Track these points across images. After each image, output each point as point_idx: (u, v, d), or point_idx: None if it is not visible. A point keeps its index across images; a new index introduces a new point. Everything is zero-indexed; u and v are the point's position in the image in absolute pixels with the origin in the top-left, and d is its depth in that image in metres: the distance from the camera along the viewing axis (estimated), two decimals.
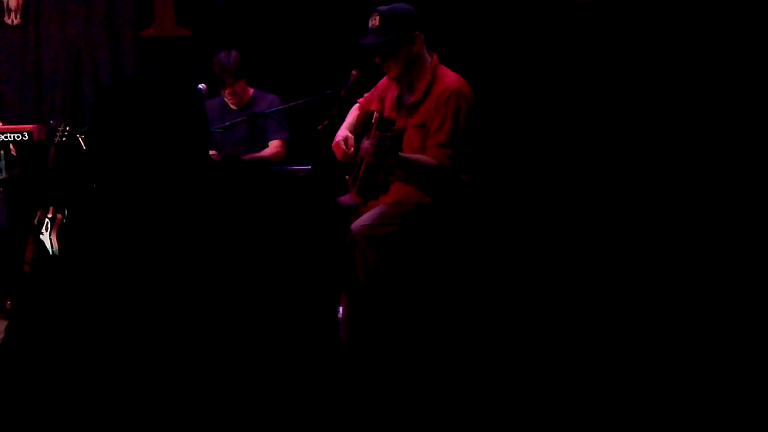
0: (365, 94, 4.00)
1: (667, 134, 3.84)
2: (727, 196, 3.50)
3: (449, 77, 3.63)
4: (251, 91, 4.96)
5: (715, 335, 3.19)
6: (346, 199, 3.91)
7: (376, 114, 3.78)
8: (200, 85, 4.67)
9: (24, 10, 5.86)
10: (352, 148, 3.80)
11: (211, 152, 4.79)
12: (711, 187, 3.58)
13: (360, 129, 3.93)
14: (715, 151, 3.58)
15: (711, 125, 3.59)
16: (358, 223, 3.56)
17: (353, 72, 3.96)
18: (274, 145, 4.86)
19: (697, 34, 3.73)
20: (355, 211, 3.77)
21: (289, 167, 4.76)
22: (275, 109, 4.66)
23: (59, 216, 4.28)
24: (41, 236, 4.25)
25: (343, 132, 3.87)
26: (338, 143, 3.80)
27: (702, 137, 3.64)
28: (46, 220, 4.30)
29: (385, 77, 3.83)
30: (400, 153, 3.45)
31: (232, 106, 4.90)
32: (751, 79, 3.46)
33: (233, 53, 4.83)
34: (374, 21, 3.61)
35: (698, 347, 3.15)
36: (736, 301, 3.26)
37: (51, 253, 4.18)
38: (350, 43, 5.53)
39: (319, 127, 3.91)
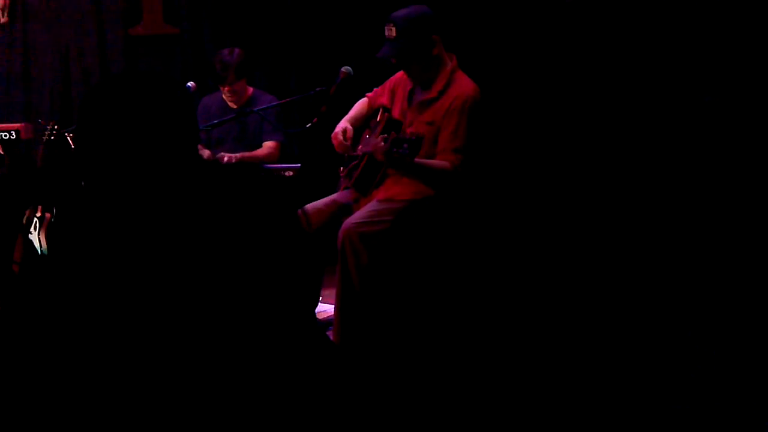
0: (375, 89, 3.97)
1: (666, 134, 3.84)
2: (725, 196, 3.51)
3: (466, 83, 3.61)
4: (251, 90, 4.93)
5: (714, 335, 3.20)
6: (339, 197, 3.89)
7: (383, 113, 3.77)
8: (189, 84, 4.65)
9: (11, 7, 5.83)
10: (350, 141, 3.78)
11: (206, 152, 4.80)
12: (710, 186, 3.58)
13: (362, 123, 3.92)
14: (714, 150, 3.59)
15: (710, 125, 3.60)
16: (350, 221, 3.56)
17: (342, 69, 3.95)
18: (267, 146, 4.84)
19: (696, 32, 3.73)
20: (349, 210, 3.76)
21: (278, 165, 4.75)
22: (264, 106, 4.64)
23: (48, 215, 4.26)
24: (30, 236, 4.23)
25: (344, 124, 3.85)
26: (336, 134, 3.78)
27: (701, 137, 3.65)
28: (35, 219, 4.28)
29: (396, 74, 3.81)
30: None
31: (230, 104, 4.87)
32: (751, 78, 3.47)
33: (236, 51, 4.79)
34: (390, 31, 3.55)
35: (697, 347, 3.16)
36: (734, 301, 3.27)
37: (40, 252, 4.17)
38: (340, 40, 5.55)
39: (308, 125, 3.90)
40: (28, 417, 1.45)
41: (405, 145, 3.27)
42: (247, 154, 4.80)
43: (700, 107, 3.67)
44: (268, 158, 4.81)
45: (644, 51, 4.03)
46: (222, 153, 4.76)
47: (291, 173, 4.64)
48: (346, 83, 3.93)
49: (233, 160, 4.71)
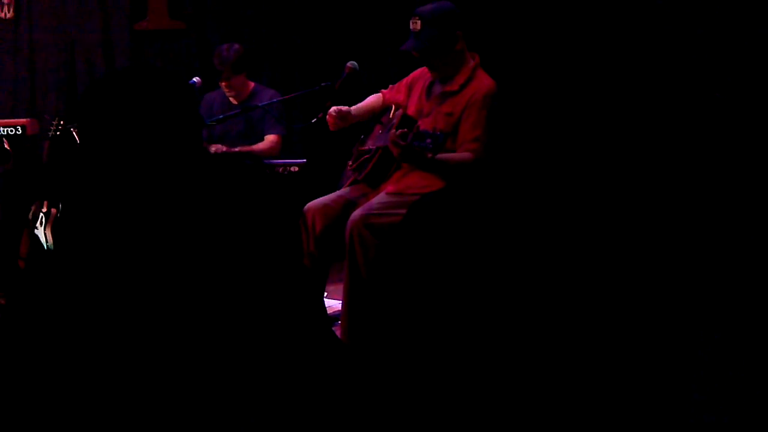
0: (391, 86, 3.97)
1: (677, 131, 3.83)
2: (736, 194, 3.49)
3: (487, 80, 3.65)
4: (252, 85, 4.93)
5: (715, 337, 3.18)
6: (347, 193, 3.88)
7: (396, 110, 3.77)
8: (194, 79, 4.65)
9: (17, 3, 5.84)
10: (340, 114, 3.78)
11: (213, 147, 4.80)
12: (721, 185, 3.57)
13: (369, 117, 3.92)
14: (724, 148, 3.57)
15: (721, 122, 3.58)
16: (358, 213, 3.55)
17: (348, 65, 3.94)
18: (269, 140, 4.84)
19: (708, 27, 3.72)
20: (355, 205, 3.75)
21: (283, 161, 4.75)
22: (267, 102, 4.63)
23: (54, 210, 4.27)
24: (36, 231, 4.24)
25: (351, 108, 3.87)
26: (330, 111, 3.80)
27: (712, 135, 3.63)
28: (41, 214, 4.29)
29: (415, 71, 3.82)
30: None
31: (231, 99, 4.88)
32: (763, 75, 3.45)
33: (235, 46, 4.79)
34: (415, 24, 3.58)
35: (699, 349, 3.15)
36: (739, 303, 3.26)
37: (45, 247, 4.17)
38: (345, 34, 5.55)
39: (314, 120, 3.90)
40: (32, 412, 1.45)
41: (428, 140, 3.27)
42: (246, 147, 4.79)
43: (711, 103, 3.65)
44: (269, 152, 4.80)
45: (656, 47, 4.01)
46: (219, 146, 4.76)
47: (296, 169, 4.65)
48: (351, 78, 3.93)
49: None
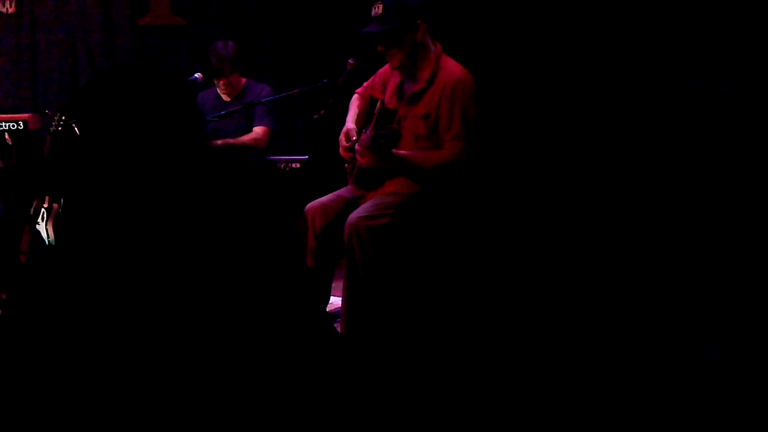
0: (364, 84, 3.97)
1: (678, 127, 3.82)
2: (738, 191, 3.49)
3: (453, 67, 3.60)
4: (243, 81, 4.94)
5: (714, 336, 3.18)
6: (345, 192, 3.89)
7: (378, 103, 3.77)
8: (196, 75, 4.65)
9: None
10: (350, 142, 3.80)
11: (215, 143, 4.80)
12: (722, 181, 3.56)
13: (364, 118, 3.92)
14: (724, 144, 3.56)
15: (723, 117, 3.58)
16: (355, 215, 3.56)
17: (350, 61, 3.94)
18: (255, 132, 4.82)
19: (709, 22, 3.71)
20: (355, 204, 3.76)
21: (285, 157, 4.75)
22: (270, 98, 4.63)
23: (55, 206, 4.27)
24: (37, 226, 4.24)
25: (349, 124, 3.86)
26: (341, 139, 3.81)
27: (714, 130, 3.62)
28: (42, 209, 4.29)
29: (386, 65, 3.80)
30: (394, 151, 3.47)
31: (224, 96, 4.88)
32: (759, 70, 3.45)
33: (230, 44, 4.80)
34: (377, 9, 3.58)
35: (697, 348, 3.15)
36: (738, 302, 3.25)
37: (47, 243, 4.17)
38: (347, 31, 5.54)
39: (315, 117, 3.90)
40: (32, 408, 1.45)
41: (381, 141, 3.32)
42: (231, 140, 4.78)
43: (714, 99, 3.64)
44: (255, 143, 4.78)
45: (655, 40, 4.00)
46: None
47: (298, 165, 4.64)
48: (353, 75, 3.92)
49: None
